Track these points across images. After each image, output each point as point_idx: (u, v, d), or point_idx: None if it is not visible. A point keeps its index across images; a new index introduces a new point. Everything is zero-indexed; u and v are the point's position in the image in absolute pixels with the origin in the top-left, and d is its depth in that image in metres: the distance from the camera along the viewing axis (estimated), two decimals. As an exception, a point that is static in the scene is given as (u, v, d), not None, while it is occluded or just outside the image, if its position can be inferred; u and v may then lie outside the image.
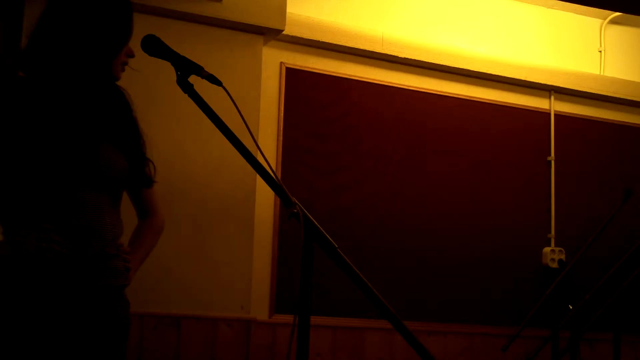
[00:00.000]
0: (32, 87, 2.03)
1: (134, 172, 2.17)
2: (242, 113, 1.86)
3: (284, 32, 4.14)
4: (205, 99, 1.90)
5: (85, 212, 2.02)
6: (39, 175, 1.98)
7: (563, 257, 4.77)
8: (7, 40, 3.63)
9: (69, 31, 2.04)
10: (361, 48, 4.48)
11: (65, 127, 2.01)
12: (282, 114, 4.30)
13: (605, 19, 5.28)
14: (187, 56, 1.95)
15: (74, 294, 1.99)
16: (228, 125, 1.86)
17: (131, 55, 2.13)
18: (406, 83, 4.66)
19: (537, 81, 4.94)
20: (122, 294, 2.15)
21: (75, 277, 1.99)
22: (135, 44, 2.08)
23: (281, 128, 4.29)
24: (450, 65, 4.70)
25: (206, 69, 1.91)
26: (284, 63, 4.35)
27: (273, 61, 4.31)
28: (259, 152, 1.87)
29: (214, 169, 3.87)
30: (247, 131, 1.86)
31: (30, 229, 1.96)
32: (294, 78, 4.36)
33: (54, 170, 1.98)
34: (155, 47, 1.97)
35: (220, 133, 1.85)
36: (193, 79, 1.91)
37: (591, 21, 5.28)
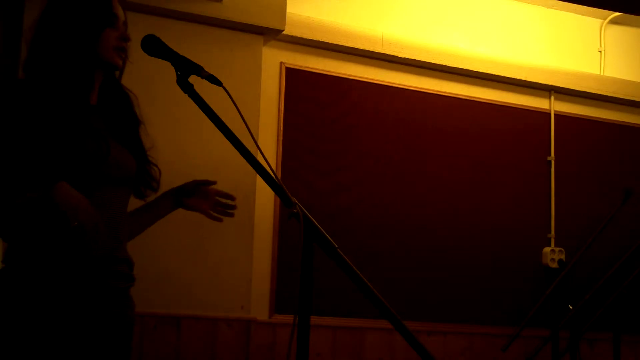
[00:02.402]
0: (35, 88, 2.02)
1: (140, 174, 2.18)
2: (242, 113, 1.86)
3: (284, 32, 4.14)
4: (205, 99, 1.90)
5: (103, 211, 2.02)
6: (54, 175, 1.96)
7: (563, 257, 4.77)
8: (7, 40, 3.63)
9: (51, 25, 2.07)
10: (361, 48, 4.48)
11: (73, 126, 2.00)
12: (282, 114, 4.30)
13: (605, 19, 5.28)
14: (187, 56, 1.95)
15: (85, 295, 2.00)
16: (228, 125, 1.86)
17: (124, 38, 2.12)
18: (406, 83, 4.66)
19: (537, 81, 4.94)
20: (129, 295, 2.16)
21: (87, 279, 2.00)
22: (135, 44, 2.08)
23: (281, 128, 4.29)
24: (450, 65, 4.70)
25: (206, 69, 1.91)
26: (284, 63, 4.35)
27: (273, 61, 4.31)
28: (259, 152, 1.87)
29: (214, 169, 3.87)
30: (247, 131, 1.86)
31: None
32: (294, 78, 4.36)
33: (70, 171, 1.97)
34: (155, 47, 1.97)
35: (220, 133, 1.85)
36: (193, 79, 1.91)
37: (591, 21, 5.28)
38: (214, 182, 2.44)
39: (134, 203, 2.30)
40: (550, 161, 4.97)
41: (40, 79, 2.03)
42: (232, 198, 2.44)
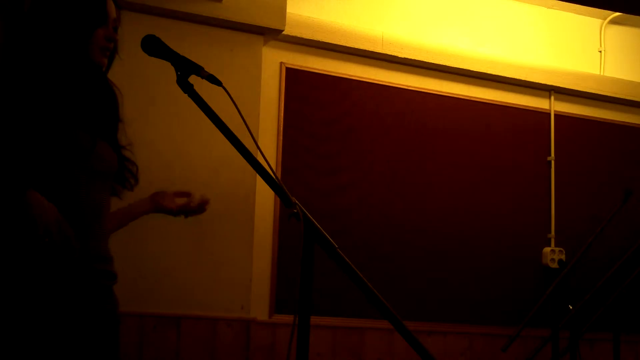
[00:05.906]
0: (24, 84, 2.01)
1: (119, 171, 2.18)
2: (242, 113, 1.86)
3: (284, 32, 4.15)
4: (205, 99, 1.90)
5: (88, 206, 2.02)
6: (42, 169, 1.96)
7: (563, 257, 4.77)
8: (7, 40, 3.62)
9: (43, 20, 2.06)
10: (361, 48, 4.48)
11: (59, 119, 1.99)
12: (282, 114, 4.30)
13: (605, 19, 5.28)
14: (187, 56, 1.95)
15: (76, 294, 2.00)
16: (228, 125, 1.86)
17: (110, 39, 2.11)
18: (406, 83, 4.66)
19: (537, 81, 4.94)
20: (113, 292, 2.17)
21: (76, 278, 2.00)
22: (135, 43, 2.08)
23: (281, 128, 4.29)
24: (450, 65, 4.70)
25: (206, 69, 1.91)
26: (284, 63, 4.35)
27: (273, 61, 4.31)
28: (259, 152, 1.87)
29: (214, 169, 3.87)
30: (247, 131, 1.86)
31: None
32: (294, 78, 4.36)
33: (56, 163, 1.97)
34: (155, 47, 1.97)
35: (220, 133, 1.86)
36: (193, 79, 1.91)
37: (591, 21, 5.28)
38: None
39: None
40: (550, 161, 4.97)
41: (29, 75, 2.02)
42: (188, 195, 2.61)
